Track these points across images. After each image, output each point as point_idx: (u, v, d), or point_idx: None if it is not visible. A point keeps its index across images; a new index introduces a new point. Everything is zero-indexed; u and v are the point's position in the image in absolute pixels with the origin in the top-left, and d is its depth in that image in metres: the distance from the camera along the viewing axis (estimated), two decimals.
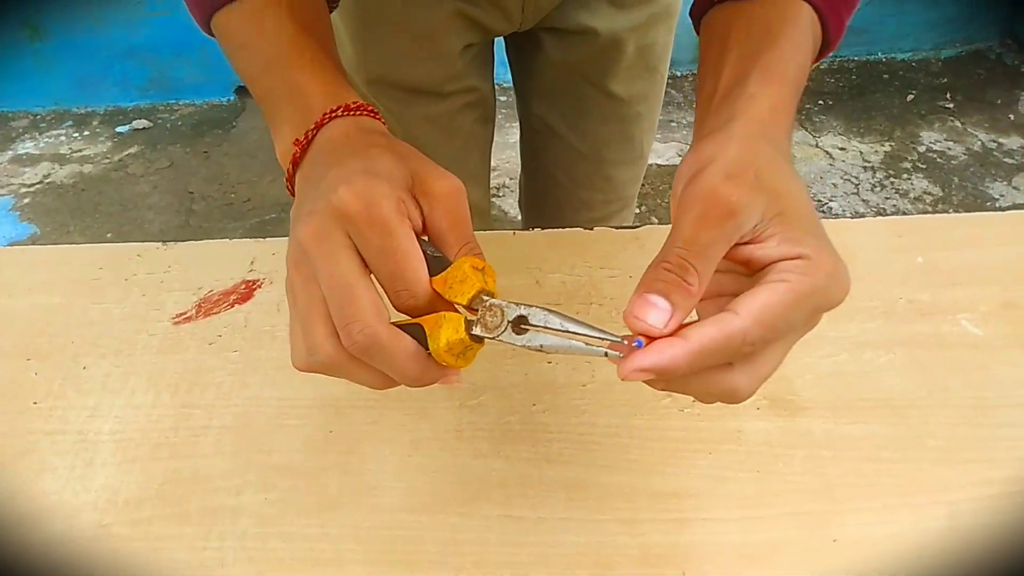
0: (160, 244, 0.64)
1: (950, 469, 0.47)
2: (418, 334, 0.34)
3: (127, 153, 2.25)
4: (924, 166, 1.96)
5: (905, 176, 1.92)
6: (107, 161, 2.22)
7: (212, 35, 0.45)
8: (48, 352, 0.56)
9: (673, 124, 2.19)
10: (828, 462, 0.47)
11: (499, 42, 0.77)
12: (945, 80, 2.26)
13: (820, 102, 2.23)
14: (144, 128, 2.35)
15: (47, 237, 1.94)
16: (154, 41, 2.34)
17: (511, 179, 2.02)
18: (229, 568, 0.43)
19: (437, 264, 0.35)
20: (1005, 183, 1.89)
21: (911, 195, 1.85)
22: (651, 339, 0.31)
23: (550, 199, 0.87)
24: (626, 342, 0.32)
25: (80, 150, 2.27)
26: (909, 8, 2.31)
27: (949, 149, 2.01)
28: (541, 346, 0.33)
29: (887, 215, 1.74)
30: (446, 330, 0.34)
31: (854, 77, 2.32)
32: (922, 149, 2.02)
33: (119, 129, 2.35)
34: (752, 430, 0.49)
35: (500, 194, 2.00)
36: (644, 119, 0.78)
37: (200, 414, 0.52)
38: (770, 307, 0.30)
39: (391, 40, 0.68)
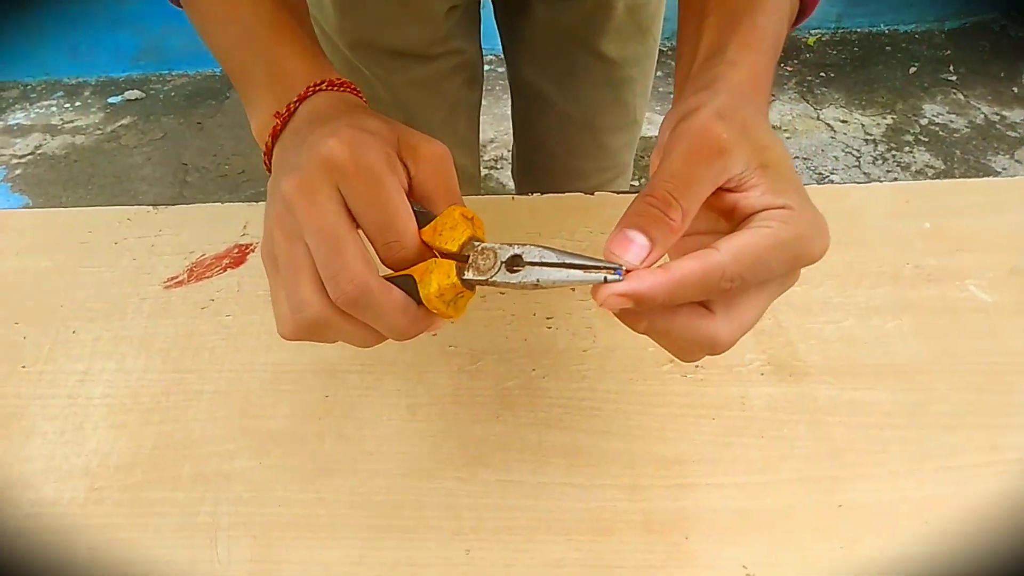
0: (151, 208, 0.63)
1: (958, 435, 0.46)
2: (408, 286, 0.33)
3: (119, 124, 2.22)
4: (926, 139, 1.94)
5: (907, 149, 1.91)
6: (99, 132, 2.19)
7: (179, 6, 0.44)
8: (37, 316, 0.55)
9: (670, 95, 2.16)
10: (834, 428, 0.47)
11: (488, 6, 0.75)
12: (948, 52, 2.23)
13: (822, 74, 2.20)
14: (137, 99, 2.32)
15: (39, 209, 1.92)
16: (146, 10, 2.30)
17: (508, 151, 2.00)
18: (223, 533, 0.43)
19: (424, 219, 0.35)
20: (1008, 156, 1.88)
21: (913, 168, 1.83)
22: None
23: (543, 168, 0.85)
24: (624, 270, 0.31)
25: (72, 121, 2.24)
26: None
27: (952, 122, 1.98)
28: (537, 281, 0.32)
29: None
30: (437, 275, 0.33)
31: (856, 49, 2.29)
32: (924, 122, 2.00)
33: (111, 100, 2.32)
34: (756, 395, 0.48)
35: (498, 166, 1.98)
36: (637, 83, 0.76)
37: (192, 379, 0.50)
38: (751, 247, 0.30)
39: (374, 2, 0.66)
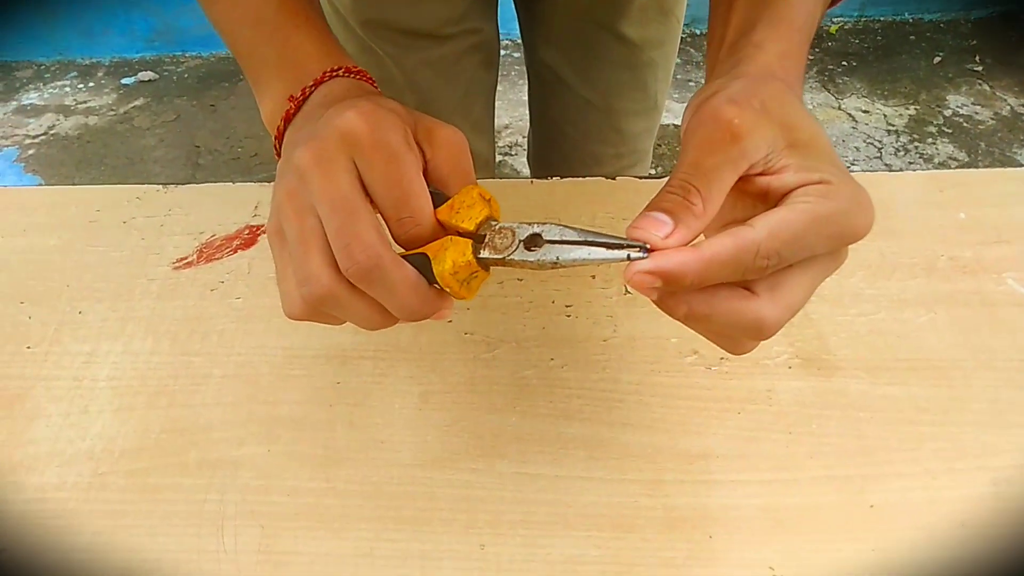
0: (160, 187, 0.61)
1: (995, 434, 0.44)
2: (421, 265, 0.32)
3: (133, 105, 2.21)
4: (950, 130, 1.90)
5: (930, 140, 1.87)
6: (112, 113, 2.18)
7: None
8: (43, 296, 0.53)
9: (692, 84, 2.13)
10: (865, 424, 0.45)
11: None
12: (974, 42, 2.18)
13: (844, 63, 2.16)
14: (150, 80, 2.31)
15: None
16: None
17: (524, 137, 1.98)
18: (229, 521, 0.41)
19: (439, 200, 0.33)
20: None
21: (936, 160, 1.79)
22: None
23: (559, 154, 0.83)
24: (649, 248, 0.29)
25: (85, 102, 2.23)
26: None
27: (976, 113, 1.94)
28: (557, 259, 0.30)
29: None
30: (452, 252, 0.31)
31: (879, 38, 2.24)
32: (948, 113, 1.95)
33: (124, 81, 2.31)
34: (784, 389, 0.47)
35: (512, 152, 1.96)
36: (658, 67, 0.74)
37: (201, 362, 0.49)
38: (787, 223, 0.29)
39: None
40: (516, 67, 2.21)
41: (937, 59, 2.13)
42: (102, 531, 0.41)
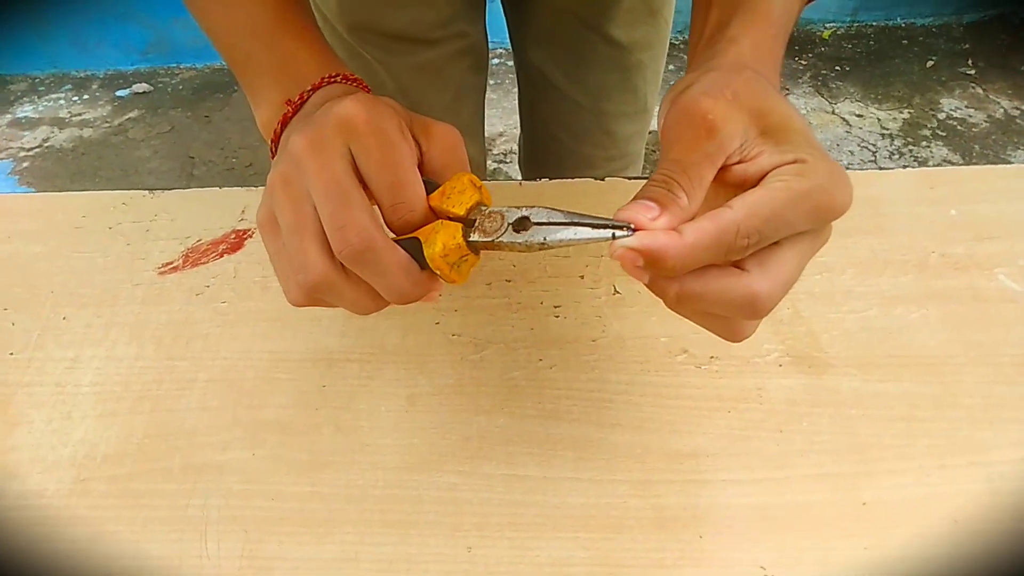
0: (147, 192, 0.61)
1: (989, 429, 0.43)
2: (413, 249, 0.33)
3: (127, 117, 2.21)
4: (944, 133, 1.90)
5: (924, 144, 1.87)
6: (107, 125, 2.18)
7: None
8: (26, 302, 0.53)
9: None
10: (857, 421, 0.44)
11: None
12: (967, 46, 2.19)
13: (837, 68, 2.16)
14: (144, 92, 2.31)
15: None
16: (154, 3, 2.28)
17: (517, 145, 1.98)
18: (213, 526, 0.41)
19: (430, 188, 0.34)
20: None
21: (930, 163, 1.79)
22: None
23: (550, 157, 0.82)
24: (634, 229, 0.30)
25: (80, 114, 2.23)
26: None
27: (970, 116, 1.94)
28: (544, 240, 0.31)
29: None
30: (443, 236, 0.32)
31: (872, 43, 2.25)
32: (942, 116, 1.96)
33: (119, 93, 2.31)
34: (774, 387, 0.46)
35: (507, 160, 1.96)
36: (647, 68, 0.74)
37: (185, 367, 0.49)
38: (764, 202, 0.29)
39: None
40: (510, 75, 2.21)
41: (930, 63, 2.14)
42: (83, 538, 0.41)
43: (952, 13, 2.28)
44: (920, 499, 0.41)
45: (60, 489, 0.43)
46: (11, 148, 2.11)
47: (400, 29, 0.66)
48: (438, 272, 0.33)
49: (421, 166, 0.35)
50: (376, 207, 0.34)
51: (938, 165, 1.80)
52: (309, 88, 0.38)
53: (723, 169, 0.31)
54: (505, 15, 0.76)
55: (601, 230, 0.30)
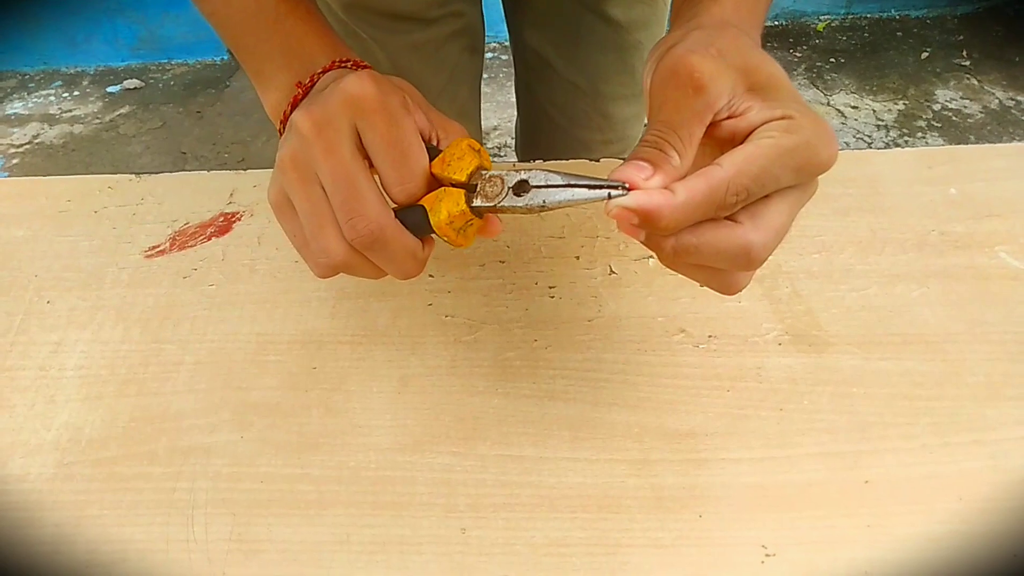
0: (133, 176, 0.60)
1: (992, 406, 0.43)
2: (418, 216, 0.34)
3: (118, 113, 2.19)
4: (939, 124, 1.90)
5: (920, 135, 1.86)
6: (98, 121, 2.16)
7: None
8: (8, 286, 0.52)
9: None
10: (858, 399, 0.43)
11: None
12: (961, 37, 2.18)
13: (832, 60, 2.15)
14: (135, 88, 2.29)
15: None
16: None
17: (513, 138, 1.97)
18: (200, 510, 0.40)
19: (431, 154, 0.35)
20: None
21: None
22: None
23: (546, 140, 0.81)
24: (629, 188, 0.30)
25: (70, 110, 2.21)
26: None
27: (965, 107, 1.94)
28: (544, 202, 0.32)
29: None
30: (447, 203, 0.33)
31: (866, 35, 2.24)
32: (937, 107, 1.95)
33: (110, 89, 2.29)
34: (773, 366, 0.45)
35: (502, 154, 1.95)
36: (645, 50, 0.72)
37: (172, 349, 0.47)
38: (753, 158, 0.30)
39: None
40: (505, 69, 2.21)
41: (925, 54, 2.14)
42: (66, 522, 0.40)
43: (946, 5, 2.28)
44: (923, 477, 0.40)
45: (43, 473, 0.42)
46: (1, 145, 2.10)
47: (396, 7, 0.65)
48: (445, 239, 0.34)
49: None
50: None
51: None
52: (319, 71, 0.39)
53: (712, 124, 0.32)
54: None
55: (597, 191, 0.31)
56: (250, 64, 0.42)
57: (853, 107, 1.97)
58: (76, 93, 2.29)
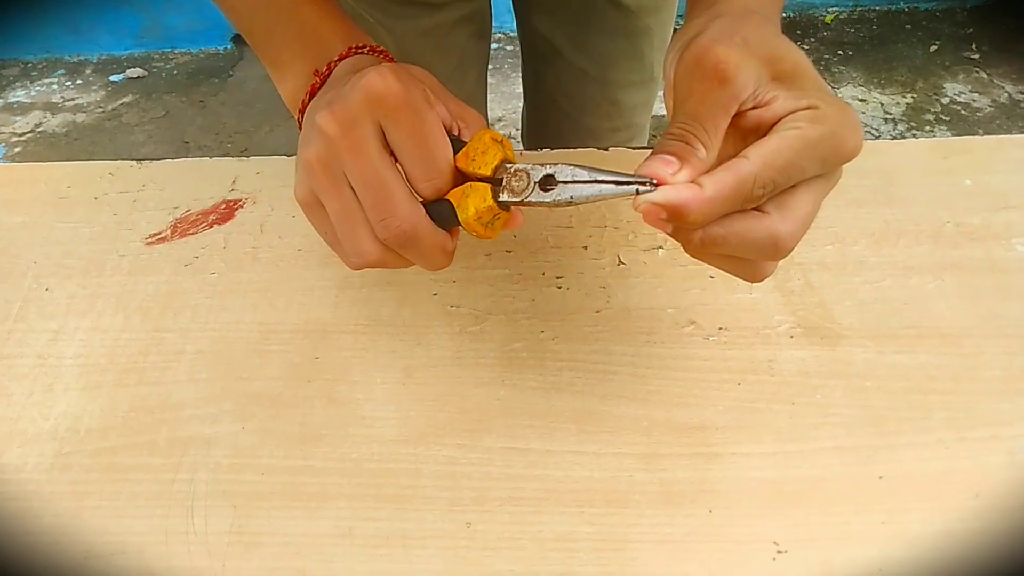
0: (134, 162, 0.59)
1: (1009, 401, 0.42)
2: (445, 209, 0.34)
3: (121, 102, 2.18)
4: (948, 118, 1.88)
5: (928, 128, 1.84)
6: (100, 110, 2.15)
7: None
8: (7, 273, 0.51)
9: None
10: (872, 393, 0.42)
11: None
12: (971, 30, 2.16)
13: (840, 52, 2.13)
14: (139, 77, 2.28)
15: None
16: None
17: (517, 129, 1.95)
18: (200, 502, 0.39)
19: (456, 146, 0.35)
20: None
21: None
22: None
23: (553, 128, 0.80)
24: (656, 183, 0.30)
25: (73, 99, 2.20)
26: None
27: (974, 101, 1.92)
28: (571, 198, 0.32)
29: None
30: (474, 199, 0.33)
31: (875, 27, 2.22)
32: (946, 101, 1.93)
33: (113, 78, 2.28)
34: (785, 359, 0.44)
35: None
36: (655, 35, 0.71)
37: (173, 338, 0.47)
38: (779, 151, 0.30)
39: None
40: (510, 60, 2.19)
41: (933, 47, 2.11)
42: (64, 513, 0.39)
43: None
44: (939, 473, 0.39)
45: (41, 463, 0.41)
46: (3, 133, 2.09)
47: None
48: (473, 233, 0.34)
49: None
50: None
51: None
52: (336, 58, 0.38)
53: (737, 114, 0.31)
54: None
55: (624, 186, 0.31)
56: (265, 52, 0.42)
57: (861, 100, 1.96)
58: (79, 82, 2.28)
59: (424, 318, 0.47)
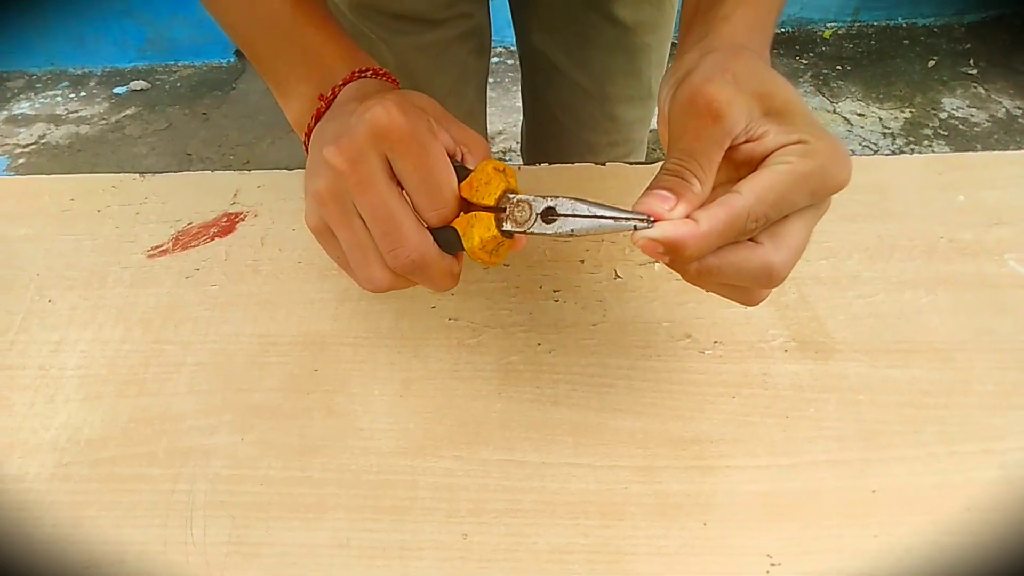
0: (136, 175, 0.60)
1: (1001, 416, 0.42)
2: (450, 236, 0.35)
3: (124, 114, 2.19)
4: (946, 133, 1.89)
5: (926, 143, 1.86)
6: (104, 122, 2.17)
7: None
8: (10, 284, 0.51)
9: None
10: (865, 407, 0.43)
11: None
12: (968, 46, 2.18)
13: (838, 67, 2.15)
14: (142, 89, 2.29)
15: None
16: (152, 1, 2.27)
17: (517, 142, 1.96)
18: (199, 512, 0.39)
19: (460, 174, 0.36)
20: None
21: None
22: None
23: (552, 143, 0.81)
24: (653, 220, 0.32)
25: (76, 111, 2.22)
26: None
27: (972, 116, 1.93)
28: (572, 231, 0.33)
29: None
30: (478, 229, 0.35)
31: (873, 42, 2.24)
32: (944, 116, 1.95)
33: (116, 90, 2.30)
34: (779, 373, 0.45)
35: (507, 158, 1.94)
36: (652, 52, 0.72)
37: (174, 350, 0.47)
38: (771, 186, 0.31)
39: None
40: (510, 74, 2.21)
41: (931, 63, 2.13)
42: (64, 523, 0.39)
43: (953, 13, 2.28)
44: (931, 487, 0.39)
45: (41, 473, 0.41)
46: (7, 145, 2.10)
47: (404, 9, 0.65)
48: (478, 261, 0.36)
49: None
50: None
51: None
52: (340, 83, 0.39)
53: (730, 148, 0.33)
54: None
55: (623, 222, 0.32)
56: (268, 73, 0.43)
57: (859, 115, 1.97)
58: (83, 94, 2.29)
59: (422, 331, 0.48)
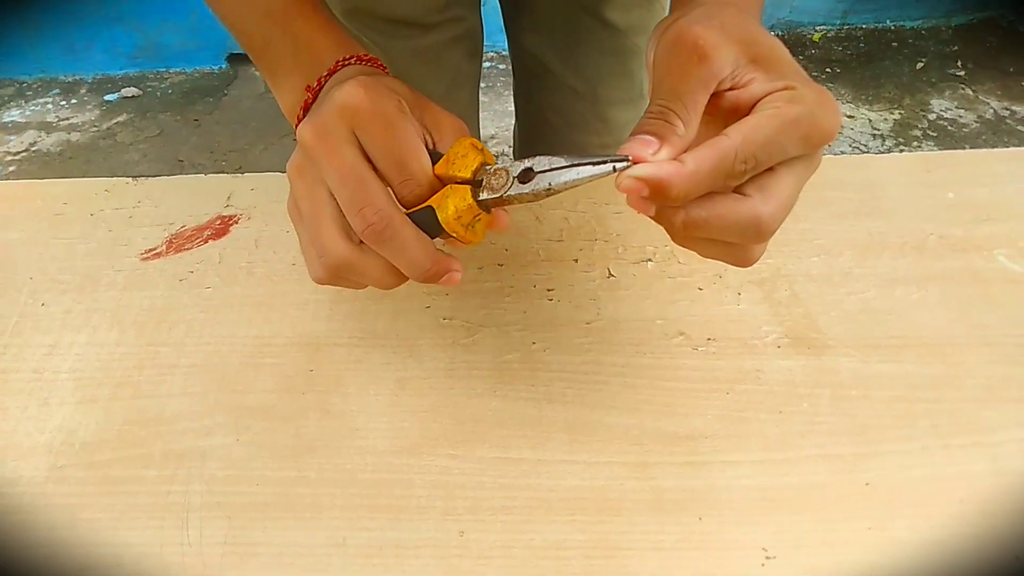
0: (130, 179, 0.60)
1: (993, 409, 0.42)
2: (427, 217, 0.34)
3: (116, 121, 2.19)
4: (935, 134, 1.90)
5: (915, 144, 1.87)
6: (95, 129, 2.16)
7: None
8: (3, 288, 0.51)
9: None
10: (858, 402, 0.43)
11: None
12: (956, 48, 2.20)
13: (828, 70, 2.16)
14: (133, 96, 2.29)
15: None
16: (143, 8, 2.26)
17: (509, 146, 1.97)
18: (194, 513, 0.39)
19: (435, 159, 0.35)
20: None
21: None
22: None
23: (544, 146, 0.81)
24: (632, 159, 0.30)
25: (67, 118, 2.21)
26: None
27: (960, 117, 1.95)
28: (550, 185, 0.32)
29: None
30: (453, 199, 0.33)
31: (862, 45, 2.26)
32: (932, 117, 1.96)
33: (107, 97, 2.29)
34: (772, 369, 0.45)
35: (499, 163, 1.95)
36: (643, 53, 0.73)
37: (168, 352, 0.47)
38: (759, 127, 0.30)
39: None
40: (502, 78, 2.21)
41: (920, 65, 2.15)
42: (59, 525, 0.39)
43: (941, 16, 2.30)
44: (924, 480, 0.40)
45: (36, 476, 0.41)
46: None
47: (397, 13, 0.65)
48: (454, 235, 0.34)
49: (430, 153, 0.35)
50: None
51: None
52: (326, 73, 0.39)
53: (717, 95, 0.32)
54: (500, 2, 0.75)
55: (602, 166, 0.31)
56: (263, 66, 0.43)
57: (849, 116, 1.98)
58: (74, 101, 2.29)
59: (417, 330, 0.48)
